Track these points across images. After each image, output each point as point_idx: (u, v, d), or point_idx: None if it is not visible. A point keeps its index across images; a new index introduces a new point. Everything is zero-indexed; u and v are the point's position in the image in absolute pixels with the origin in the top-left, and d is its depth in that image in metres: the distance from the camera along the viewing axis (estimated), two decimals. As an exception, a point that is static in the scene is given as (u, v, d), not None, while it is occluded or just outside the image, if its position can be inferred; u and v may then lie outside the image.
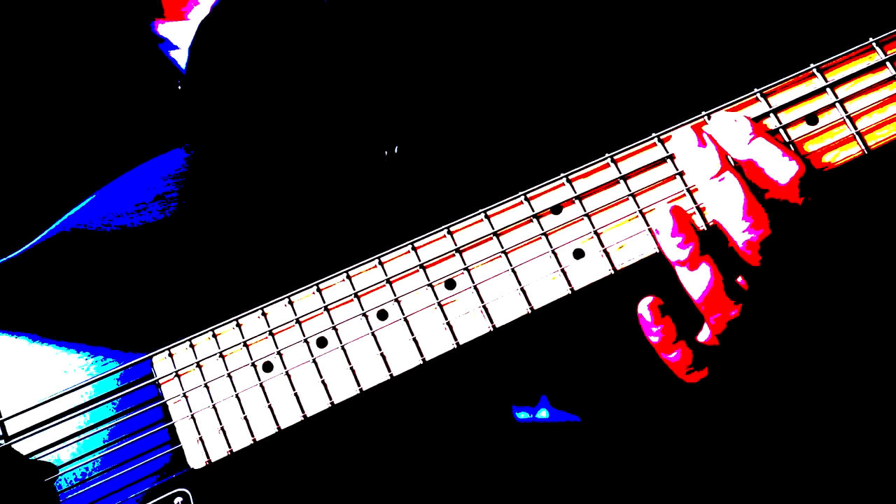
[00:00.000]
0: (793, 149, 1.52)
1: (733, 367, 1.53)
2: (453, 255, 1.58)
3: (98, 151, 1.83)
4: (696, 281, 1.50)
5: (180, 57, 1.87)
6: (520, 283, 1.56)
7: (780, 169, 1.48)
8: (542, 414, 1.88)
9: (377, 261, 1.59)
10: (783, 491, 2.00)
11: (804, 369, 1.93)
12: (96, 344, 1.64)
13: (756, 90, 1.56)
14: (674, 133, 1.56)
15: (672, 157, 1.56)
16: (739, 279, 1.51)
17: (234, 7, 1.81)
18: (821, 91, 1.54)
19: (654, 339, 1.54)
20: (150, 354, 1.61)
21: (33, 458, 1.58)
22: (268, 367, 1.60)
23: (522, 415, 1.91)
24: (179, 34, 1.88)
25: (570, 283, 1.55)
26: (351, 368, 1.57)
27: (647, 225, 1.54)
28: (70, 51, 1.85)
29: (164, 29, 1.88)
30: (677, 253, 1.51)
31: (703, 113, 1.56)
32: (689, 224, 1.51)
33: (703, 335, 1.55)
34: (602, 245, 1.55)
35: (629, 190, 1.56)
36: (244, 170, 1.75)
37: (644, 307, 1.54)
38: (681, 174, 1.55)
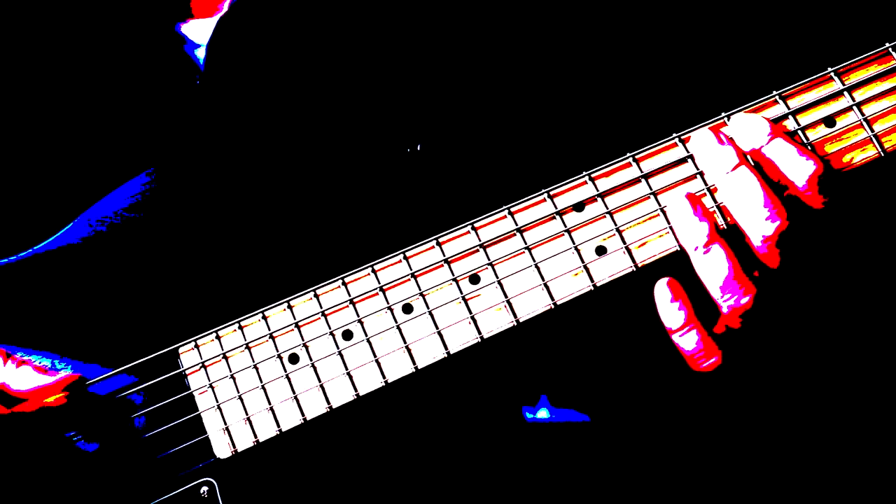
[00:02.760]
0: (811, 150, 1.56)
1: (746, 359, 1.56)
2: (477, 250, 1.61)
3: (111, 150, 1.84)
4: (711, 265, 1.53)
5: (201, 54, 1.88)
6: (543, 279, 1.59)
7: (798, 167, 1.52)
8: (543, 414, 1.91)
9: (402, 255, 1.62)
10: (793, 489, 2.03)
11: (817, 367, 1.96)
12: (92, 357, 1.66)
13: (775, 92, 1.59)
14: (693, 134, 1.59)
15: (693, 156, 1.59)
16: (755, 274, 1.54)
17: (253, 4, 1.83)
18: (838, 94, 1.58)
19: (669, 320, 1.57)
20: (176, 346, 1.63)
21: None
22: (294, 358, 1.62)
23: (532, 415, 1.94)
24: (203, 32, 1.89)
25: (592, 279, 1.58)
26: (376, 361, 1.60)
27: (669, 223, 1.58)
28: (77, 53, 1.86)
29: (188, 28, 1.90)
30: (693, 236, 1.54)
31: (723, 114, 1.60)
32: (704, 207, 1.54)
33: (717, 327, 1.57)
34: (624, 242, 1.58)
35: (650, 188, 1.59)
36: (271, 165, 1.77)
37: (661, 285, 1.56)
38: (701, 174, 1.58)
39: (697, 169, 1.59)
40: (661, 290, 1.56)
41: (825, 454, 2.05)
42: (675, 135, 1.61)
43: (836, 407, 2.01)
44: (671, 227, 1.57)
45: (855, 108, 1.57)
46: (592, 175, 1.61)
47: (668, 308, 1.56)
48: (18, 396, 1.54)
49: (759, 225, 1.51)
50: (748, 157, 1.55)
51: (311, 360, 1.61)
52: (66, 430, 1.58)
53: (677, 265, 1.58)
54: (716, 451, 1.98)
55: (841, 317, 1.80)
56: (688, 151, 1.60)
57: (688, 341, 1.56)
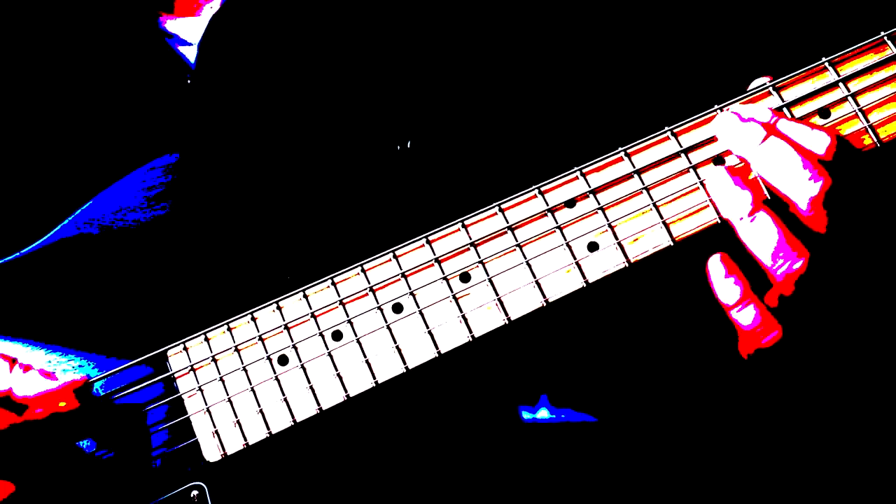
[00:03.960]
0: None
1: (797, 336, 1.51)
2: (468, 248, 1.59)
3: (105, 148, 1.83)
4: (760, 232, 1.49)
5: (190, 52, 1.87)
6: (534, 276, 1.57)
7: (815, 141, 1.49)
8: (544, 413, 1.89)
9: (392, 254, 1.60)
10: (804, 489, 2.01)
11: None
12: (97, 348, 1.64)
13: (768, 84, 1.57)
14: (718, 116, 1.56)
15: (687, 151, 1.57)
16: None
17: (245, 2, 1.82)
18: (833, 85, 1.56)
19: (726, 296, 1.53)
20: (165, 348, 1.61)
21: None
22: (283, 360, 1.60)
23: (528, 415, 1.92)
24: (190, 30, 1.88)
25: (584, 276, 1.56)
26: (366, 361, 1.58)
27: (661, 218, 1.56)
28: (71, 49, 1.85)
29: (173, 25, 1.89)
30: (737, 206, 1.50)
31: (716, 107, 1.58)
32: (744, 177, 1.51)
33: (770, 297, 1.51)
34: (616, 238, 1.56)
35: (643, 183, 1.57)
36: (258, 164, 1.76)
37: (715, 260, 1.53)
38: (694, 168, 1.56)
39: (690, 163, 1.57)
40: (716, 266, 1.53)
41: (833, 452, 2.03)
42: (667, 128, 1.58)
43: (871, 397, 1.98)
44: (712, 201, 1.53)
45: (850, 98, 1.55)
46: (584, 170, 1.59)
47: (724, 283, 1.52)
48: (23, 403, 1.53)
49: (803, 187, 1.47)
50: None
51: (300, 361, 1.59)
52: (78, 436, 1.57)
53: (671, 260, 1.56)
54: (715, 449, 1.96)
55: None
56: (681, 146, 1.57)
57: (746, 316, 1.51)
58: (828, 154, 1.48)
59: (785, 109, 1.56)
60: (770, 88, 1.57)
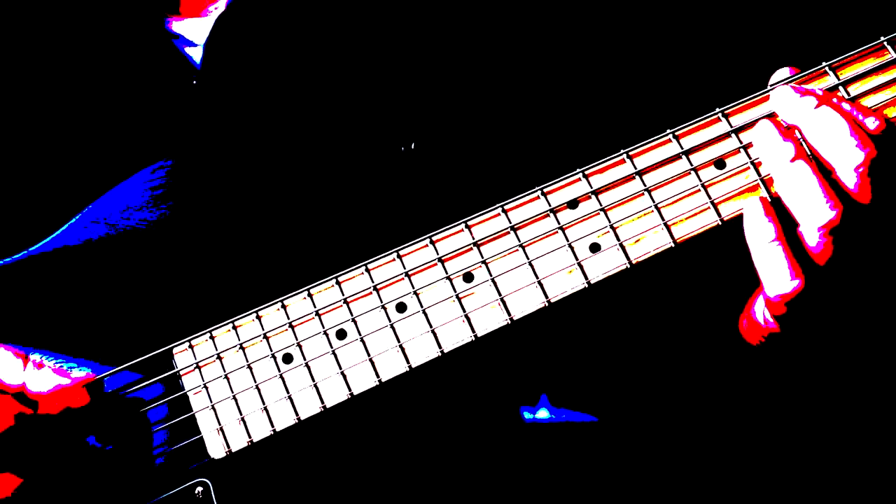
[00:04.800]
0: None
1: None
2: (471, 248, 1.60)
3: (112, 148, 1.84)
4: (799, 176, 1.49)
5: (196, 53, 1.88)
6: (537, 277, 1.58)
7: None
8: (544, 413, 1.90)
9: (396, 254, 1.61)
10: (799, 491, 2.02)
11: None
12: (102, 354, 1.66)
13: (769, 87, 1.58)
14: (772, 92, 1.57)
15: (689, 153, 1.58)
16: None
17: (250, 3, 1.83)
18: (833, 89, 1.57)
19: (766, 234, 1.52)
20: (170, 346, 1.63)
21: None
22: (287, 358, 1.61)
23: (529, 415, 1.93)
24: (195, 31, 1.90)
25: (586, 277, 1.58)
26: (370, 360, 1.59)
27: (663, 219, 1.57)
28: (78, 50, 1.86)
29: (179, 26, 1.90)
30: (780, 155, 1.51)
31: (718, 110, 1.59)
32: (785, 131, 1.52)
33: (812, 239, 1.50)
34: (618, 239, 1.57)
35: (645, 185, 1.58)
36: (264, 164, 1.77)
37: (754, 200, 1.53)
38: (696, 170, 1.57)
39: (692, 165, 1.58)
40: (755, 204, 1.53)
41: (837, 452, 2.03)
42: (669, 131, 1.59)
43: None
44: (754, 164, 1.54)
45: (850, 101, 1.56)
46: (586, 172, 1.60)
47: (764, 224, 1.52)
48: (36, 398, 1.54)
49: (849, 154, 1.47)
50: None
51: (304, 359, 1.61)
52: (89, 432, 1.58)
53: (672, 261, 1.57)
54: (715, 450, 1.97)
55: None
56: (682, 147, 1.59)
57: (783, 258, 1.50)
58: (877, 130, 1.48)
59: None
60: (771, 92, 1.58)
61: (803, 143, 1.51)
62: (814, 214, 1.47)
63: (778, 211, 1.51)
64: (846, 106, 1.51)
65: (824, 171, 1.49)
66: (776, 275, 1.49)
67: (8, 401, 1.54)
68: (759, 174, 1.55)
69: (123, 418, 1.60)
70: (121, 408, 1.60)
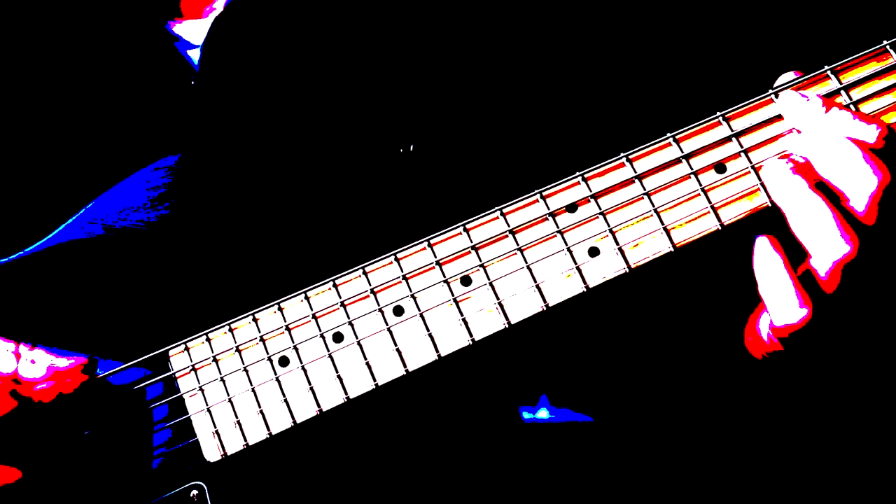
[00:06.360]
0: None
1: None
2: (469, 252, 1.59)
3: (110, 149, 1.84)
4: (813, 211, 1.47)
5: (195, 55, 1.88)
6: (535, 280, 1.57)
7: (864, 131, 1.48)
8: (544, 414, 1.89)
9: (393, 257, 1.60)
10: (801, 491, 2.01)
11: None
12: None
13: (770, 91, 1.57)
14: (782, 93, 1.56)
15: (688, 157, 1.57)
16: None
17: (247, 4, 1.82)
18: (835, 93, 1.56)
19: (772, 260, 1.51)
20: (166, 348, 1.62)
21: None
22: (284, 361, 1.61)
23: (529, 415, 1.93)
24: (195, 32, 1.89)
25: (584, 281, 1.57)
26: (367, 363, 1.58)
27: (662, 223, 1.56)
28: (78, 51, 1.86)
29: (180, 28, 1.89)
30: (792, 191, 1.49)
31: (718, 114, 1.58)
32: (797, 163, 1.51)
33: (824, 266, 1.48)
34: (617, 243, 1.56)
35: (644, 189, 1.57)
36: (261, 166, 1.76)
37: (762, 239, 1.52)
38: (696, 174, 1.56)
39: (692, 168, 1.57)
40: (763, 243, 1.52)
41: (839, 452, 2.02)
42: (669, 134, 1.58)
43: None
44: (763, 186, 1.52)
45: (852, 106, 1.55)
46: (585, 175, 1.59)
47: (772, 256, 1.51)
48: (30, 383, 1.53)
49: (863, 181, 1.45)
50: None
51: (301, 362, 1.60)
52: (84, 420, 1.58)
53: (671, 266, 1.56)
54: (714, 451, 1.96)
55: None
56: (682, 151, 1.58)
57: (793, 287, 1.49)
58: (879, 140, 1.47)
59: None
60: (772, 96, 1.57)
61: (812, 165, 1.50)
62: (828, 249, 1.45)
63: (782, 235, 1.50)
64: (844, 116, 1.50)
65: (834, 199, 1.47)
66: (783, 304, 1.48)
67: (6, 383, 1.53)
68: (759, 178, 1.54)
69: (129, 409, 1.59)
70: (127, 399, 1.59)
